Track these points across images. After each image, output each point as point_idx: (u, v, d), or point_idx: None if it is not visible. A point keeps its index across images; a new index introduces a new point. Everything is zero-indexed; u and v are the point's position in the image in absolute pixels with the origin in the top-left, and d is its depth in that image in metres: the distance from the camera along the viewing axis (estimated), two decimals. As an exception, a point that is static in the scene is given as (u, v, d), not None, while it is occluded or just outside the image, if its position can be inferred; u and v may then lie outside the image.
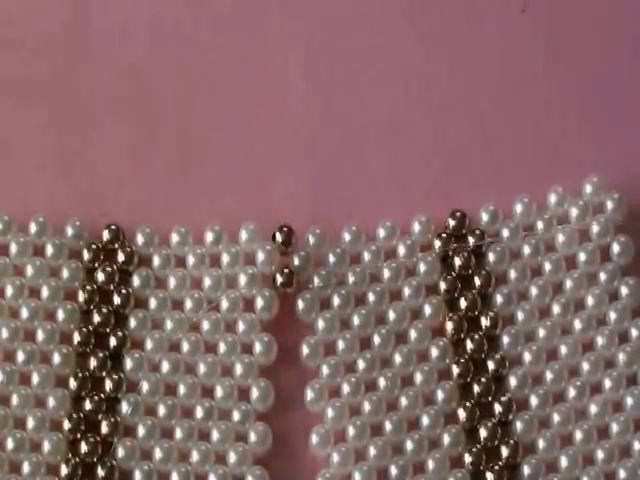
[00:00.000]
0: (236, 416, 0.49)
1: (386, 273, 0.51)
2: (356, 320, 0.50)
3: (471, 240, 0.51)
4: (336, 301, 0.50)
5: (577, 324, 0.50)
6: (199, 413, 0.49)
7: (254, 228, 0.51)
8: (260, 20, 0.56)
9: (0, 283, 0.51)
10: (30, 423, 0.49)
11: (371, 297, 0.50)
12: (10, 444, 0.48)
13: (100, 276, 0.51)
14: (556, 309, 0.50)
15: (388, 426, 0.48)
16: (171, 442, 0.49)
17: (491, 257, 0.51)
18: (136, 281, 0.51)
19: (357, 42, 0.55)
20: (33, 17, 0.56)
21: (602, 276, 0.51)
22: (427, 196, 0.53)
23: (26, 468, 0.48)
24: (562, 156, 0.54)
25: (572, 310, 0.50)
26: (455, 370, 0.49)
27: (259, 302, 0.50)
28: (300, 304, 0.50)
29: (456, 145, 0.54)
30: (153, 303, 0.51)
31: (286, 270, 0.50)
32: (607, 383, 0.49)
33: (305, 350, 0.50)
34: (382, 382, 0.49)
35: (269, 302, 0.50)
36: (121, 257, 0.51)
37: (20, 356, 0.49)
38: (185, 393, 0.49)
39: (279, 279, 0.50)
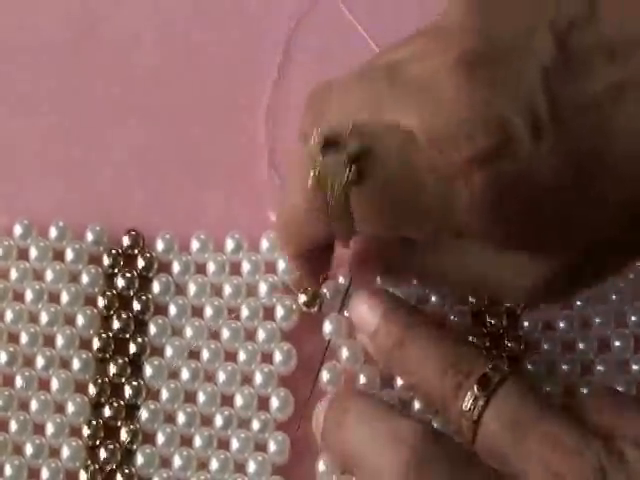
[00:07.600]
0: (255, 425, 0.49)
1: None
2: None
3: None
4: None
5: None
6: (218, 421, 0.49)
7: (274, 236, 0.51)
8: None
9: (19, 287, 0.51)
10: (49, 429, 0.48)
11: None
12: (29, 450, 0.48)
13: (120, 282, 0.51)
14: None
15: None
16: (190, 450, 0.49)
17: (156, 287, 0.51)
18: (156, 287, 0.51)
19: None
20: (40, 25, 0.56)
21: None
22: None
23: (45, 474, 0.48)
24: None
25: None
26: None
27: (279, 311, 0.50)
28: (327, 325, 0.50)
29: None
30: (173, 310, 0.51)
31: (309, 289, 0.50)
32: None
33: (326, 376, 0.50)
34: None
35: (289, 312, 0.50)
36: (141, 263, 0.51)
37: (39, 361, 0.49)
38: (204, 401, 0.49)
39: (302, 298, 0.50)
